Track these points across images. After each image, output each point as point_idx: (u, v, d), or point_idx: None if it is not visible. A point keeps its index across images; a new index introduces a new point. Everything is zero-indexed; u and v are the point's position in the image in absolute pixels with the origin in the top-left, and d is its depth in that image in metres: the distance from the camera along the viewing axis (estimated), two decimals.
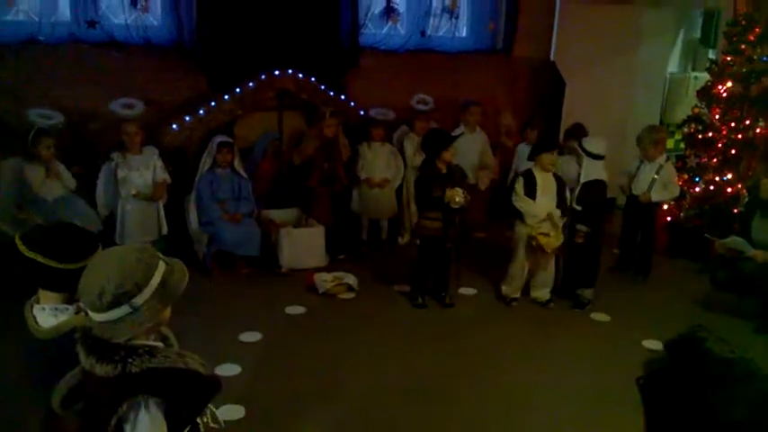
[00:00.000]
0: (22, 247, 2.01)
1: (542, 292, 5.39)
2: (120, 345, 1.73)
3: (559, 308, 5.33)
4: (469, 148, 6.57)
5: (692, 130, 6.79)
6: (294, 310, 5.14)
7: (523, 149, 6.57)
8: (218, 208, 5.72)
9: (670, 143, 7.66)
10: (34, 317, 2.04)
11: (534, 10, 7.46)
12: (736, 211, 6.27)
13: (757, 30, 6.41)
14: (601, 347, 4.72)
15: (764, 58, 6.39)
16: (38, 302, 2.08)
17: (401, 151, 6.61)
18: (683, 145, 7.20)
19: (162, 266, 1.79)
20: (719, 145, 6.56)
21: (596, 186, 5.20)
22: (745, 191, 6.28)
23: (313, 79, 6.23)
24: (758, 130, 6.40)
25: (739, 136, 6.46)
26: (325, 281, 5.46)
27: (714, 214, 6.42)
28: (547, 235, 5.07)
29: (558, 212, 5.09)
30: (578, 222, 5.20)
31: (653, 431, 1.34)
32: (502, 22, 7.50)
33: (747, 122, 6.45)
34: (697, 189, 6.65)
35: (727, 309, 5.25)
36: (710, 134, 6.62)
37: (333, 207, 6.27)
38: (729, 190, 6.45)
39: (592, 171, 5.18)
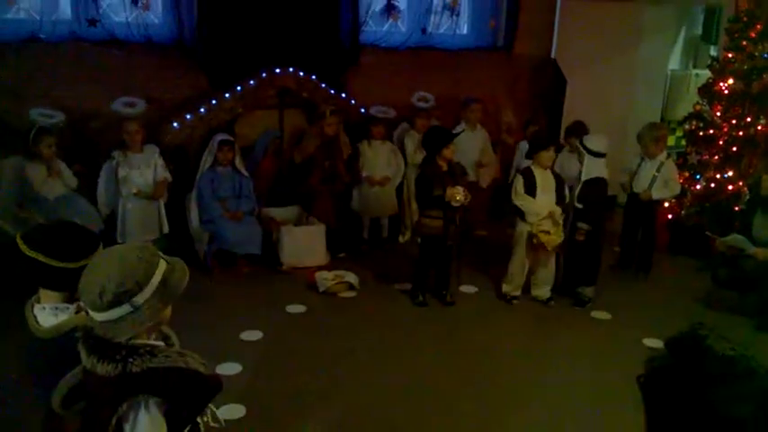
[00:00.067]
0: (23, 246, 2.01)
1: (543, 291, 5.39)
2: (122, 344, 1.73)
3: (560, 306, 5.33)
4: (470, 146, 6.57)
5: (693, 128, 6.78)
6: (295, 309, 5.14)
7: (525, 147, 6.54)
8: (219, 206, 5.72)
9: (671, 140, 7.66)
10: (35, 316, 2.04)
11: (535, 7, 7.45)
12: (737, 208, 6.26)
13: (759, 26, 6.39)
14: (601, 345, 4.72)
15: (766, 55, 6.37)
16: (38, 302, 2.08)
17: (402, 149, 6.60)
18: (684, 142, 7.19)
19: (163, 265, 1.79)
20: (721, 142, 6.55)
21: (597, 184, 5.19)
22: (746, 188, 6.27)
23: (314, 77, 6.22)
24: (759, 128, 6.38)
25: (740, 133, 6.45)
26: (325, 279, 5.46)
27: (715, 212, 6.42)
28: (547, 233, 5.07)
29: (558, 210, 5.10)
30: (579, 220, 5.19)
31: (654, 429, 1.34)
32: (503, 19, 7.50)
33: (749, 119, 6.44)
34: (698, 186, 6.65)
35: (728, 306, 5.25)
36: (712, 131, 6.61)
37: (334, 205, 6.27)
38: (730, 187, 6.44)
39: (593, 169, 5.17)
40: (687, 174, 6.68)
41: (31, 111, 5.27)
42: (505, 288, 5.42)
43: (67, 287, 2.04)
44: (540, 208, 5.08)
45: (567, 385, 4.14)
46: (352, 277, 5.53)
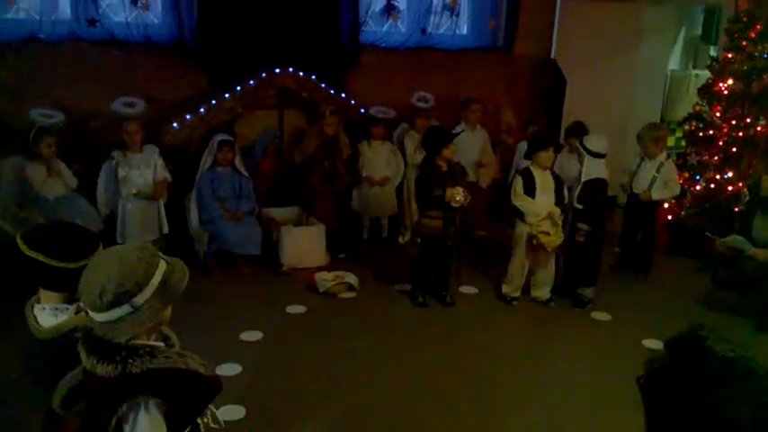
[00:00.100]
0: (23, 246, 2.01)
1: (543, 291, 5.39)
2: (122, 345, 1.73)
3: (560, 307, 5.33)
4: (470, 146, 6.57)
5: (693, 128, 6.78)
6: (295, 310, 5.14)
7: (524, 147, 6.55)
8: (219, 206, 5.72)
9: (671, 141, 7.66)
10: (35, 316, 2.04)
11: (535, 7, 7.45)
12: (736, 209, 6.26)
13: (759, 27, 6.39)
14: (601, 346, 4.72)
15: (766, 56, 6.37)
16: (38, 302, 2.08)
17: (401, 149, 6.60)
18: (683, 143, 7.19)
19: (162, 265, 1.79)
20: (720, 143, 6.55)
21: (597, 185, 5.19)
22: (745, 189, 6.27)
23: (313, 77, 6.22)
24: (759, 128, 6.38)
25: (740, 134, 6.45)
26: (325, 280, 5.46)
27: (715, 212, 6.41)
28: (547, 234, 5.07)
29: (557, 211, 5.10)
30: (579, 221, 5.19)
31: (654, 430, 1.34)
32: (503, 19, 7.50)
33: (748, 120, 6.44)
34: (698, 187, 6.64)
35: (727, 307, 5.25)
36: (711, 132, 6.61)
37: (333, 205, 6.27)
38: (730, 188, 6.44)
39: (593, 169, 5.16)
40: (687, 174, 6.67)
41: (31, 111, 5.27)
42: (505, 289, 5.42)
43: (67, 287, 2.04)
44: (540, 209, 5.08)
45: (566, 386, 4.14)
46: (351, 278, 5.53)
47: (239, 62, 6.01)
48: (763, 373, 1.24)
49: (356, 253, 6.32)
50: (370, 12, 6.88)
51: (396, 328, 4.91)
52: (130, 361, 1.69)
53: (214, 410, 1.95)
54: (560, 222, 5.13)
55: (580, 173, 5.24)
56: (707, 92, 6.74)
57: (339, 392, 3.99)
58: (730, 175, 6.47)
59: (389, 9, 7.07)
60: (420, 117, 6.62)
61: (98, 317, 1.73)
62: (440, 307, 5.29)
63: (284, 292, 5.43)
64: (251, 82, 5.97)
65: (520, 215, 5.19)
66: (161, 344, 1.85)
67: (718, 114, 6.60)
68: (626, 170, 5.99)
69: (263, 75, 6.00)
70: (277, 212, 6.15)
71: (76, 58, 5.72)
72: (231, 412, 3.61)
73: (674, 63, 8.48)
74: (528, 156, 5.37)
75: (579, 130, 6.06)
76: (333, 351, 4.49)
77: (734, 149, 6.48)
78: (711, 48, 8.06)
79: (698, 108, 6.81)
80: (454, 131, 5.92)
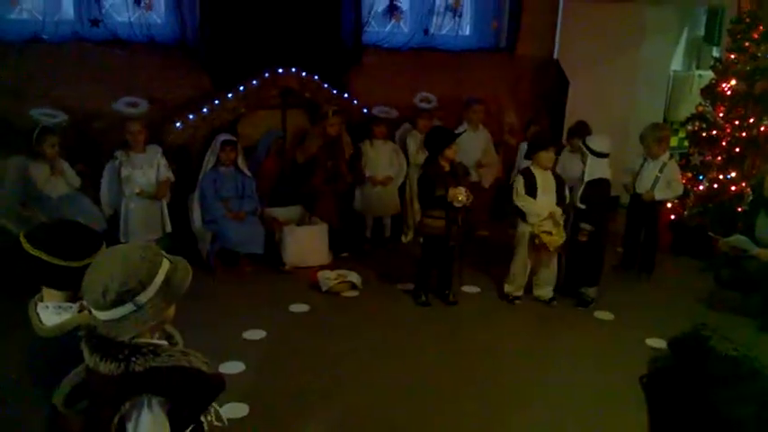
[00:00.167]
0: (26, 245, 2.01)
1: (545, 291, 5.39)
2: (125, 343, 1.73)
3: (562, 306, 5.33)
4: (472, 146, 6.57)
5: (696, 128, 6.77)
6: (297, 308, 5.15)
7: (525, 148, 6.55)
8: (222, 206, 5.73)
9: (674, 141, 7.66)
10: (38, 315, 2.04)
11: (538, 8, 7.45)
12: (740, 209, 6.25)
13: (761, 27, 6.39)
14: (604, 346, 4.72)
15: None
16: (41, 300, 2.08)
17: (404, 149, 6.61)
18: (686, 143, 7.18)
19: (166, 264, 1.79)
20: (723, 143, 6.55)
21: (600, 185, 5.19)
22: (749, 189, 6.26)
23: (316, 77, 6.23)
24: (762, 128, 6.38)
25: (743, 134, 6.45)
26: (328, 279, 5.46)
27: (718, 212, 6.41)
28: (549, 233, 5.07)
29: (559, 211, 5.10)
30: (582, 221, 5.19)
31: (656, 430, 1.34)
32: (505, 20, 7.50)
33: (751, 120, 6.43)
34: (701, 187, 6.64)
35: (730, 307, 5.25)
36: (714, 132, 6.60)
37: (336, 205, 6.28)
38: (733, 188, 6.44)
39: (596, 169, 5.16)
40: (690, 174, 6.67)
41: (33, 111, 5.28)
42: (508, 288, 5.42)
43: (70, 286, 2.04)
44: (541, 209, 5.08)
45: (569, 385, 4.14)
46: (354, 277, 5.53)
47: (242, 62, 6.02)
48: (766, 373, 1.24)
49: (359, 252, 6.33)
50: (372, 12, 6.89)
51: (398, 327, 4.91)
52: (133, 359, 1.69)
53: (217, 408, 1.96)
54: (562, 222, 5.13)
55: (583, 173, 5.24)
56: (710, 92, 6.74)
57: (342, 391, 4.00)
58: (733, 175, 6.47)
59: (392, 9, 7.08)
60: (422, 117, 6.62)
61: (101, 315, 1.73)
62: (442, 306, 5.29)
63: (287, 290, 5.44)
64: (254, 82, 5.97)
65: (521, 215, 5.19)
66: (164, 342, 1.85)
67: (721, 115, 6.59)
68: (629, 170, 5.98)
69: (266, 75, 6.00)
70: (280, 212, 6.15)
71: (79, 58, 5.73)
72: (234, 410, 3.61)
73: (677, 64, 8.48)
74: (528, 156, 5.37)
75: (582, 129, 6.05)
76: (336, 350, 4.50)
77: (737, 150, 6.48)
78: (714, 48, 8.06)
79: (701, 108, 6.81)
80: (457, 132, 5.92)
